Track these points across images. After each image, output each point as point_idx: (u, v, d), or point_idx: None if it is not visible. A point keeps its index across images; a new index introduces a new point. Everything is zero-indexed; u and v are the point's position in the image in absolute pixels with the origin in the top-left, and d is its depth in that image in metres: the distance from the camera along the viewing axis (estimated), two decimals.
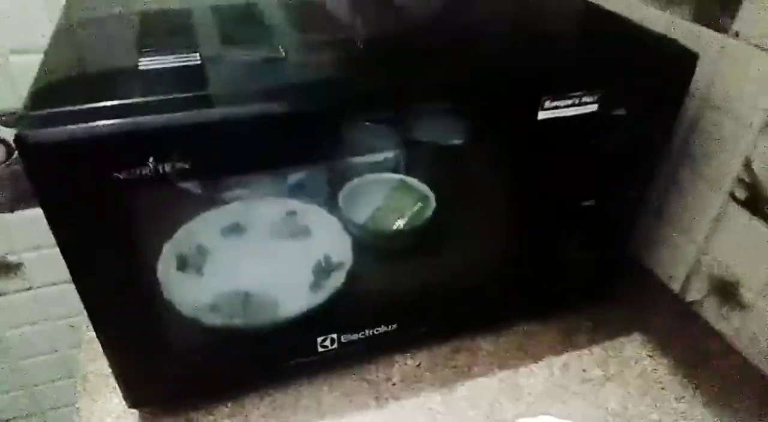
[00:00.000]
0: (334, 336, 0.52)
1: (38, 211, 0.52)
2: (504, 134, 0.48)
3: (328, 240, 0.51)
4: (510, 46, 0.51)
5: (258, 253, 0.50)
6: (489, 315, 0.59)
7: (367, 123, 0.42)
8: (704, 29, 0.55)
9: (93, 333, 0.43)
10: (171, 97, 0.37)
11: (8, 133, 0.69)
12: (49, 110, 0.34)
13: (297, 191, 0.46)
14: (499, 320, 0.60)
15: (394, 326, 0.54)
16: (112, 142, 0.35)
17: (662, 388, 0.55)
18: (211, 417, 0.51)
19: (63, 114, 0.34)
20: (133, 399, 0.49)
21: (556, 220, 0.55)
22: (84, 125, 0.34)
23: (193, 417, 0.51)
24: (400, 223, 0.54)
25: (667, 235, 0.65)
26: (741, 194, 0.56)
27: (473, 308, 0.58)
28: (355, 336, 0.53)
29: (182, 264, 0.45)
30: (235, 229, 0.47)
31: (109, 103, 0.35)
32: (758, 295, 0.55)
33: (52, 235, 0.36)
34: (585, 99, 0.46)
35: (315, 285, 0.52)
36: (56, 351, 0.90)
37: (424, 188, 0.51)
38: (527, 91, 0.45)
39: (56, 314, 0.86)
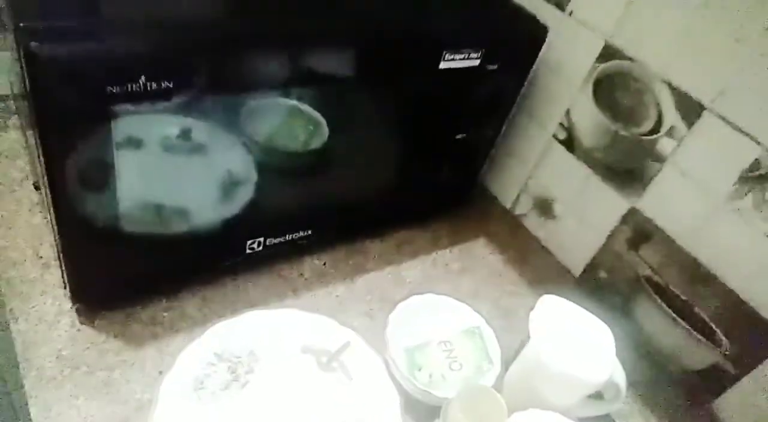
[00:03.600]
0: (261, 239, 0.61)
1: None
2: (407, 78, 0.59)
3: (228, 157, 0.58)
4: (413, 9, 0.61)
5: (160, 167, 0.55)
6: (378, 223, 0.73)
7: (270, 54, 0.48)
8: (551, 6, 0.72)
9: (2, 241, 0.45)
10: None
11: None
12: (49, 23, 0.37)
13: (192, 109, 0.50)
14: (386, 227, 0.74)
15: (309, 232, 0.65)
16: (115, 58, 0.39)
17: (500, 275, 0.74)
18: (148, 311, 0.57)
19: (65, 28, 0.37)
20: (77, 295, 0.53)
21: (433, 149, 0.69)
22: (87, 41, 0.37)
23: (131, 312, 0.57)
24: (294, 145, 0.62)
25: (505, 164, 0.84)
26: (561, 135, 0.76)
27: (365, 217, 0.71)
28: (277, 240, 0.63)
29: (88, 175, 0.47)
30: (135, 143, 0.51)
31: (102, 19, 0.39)
32: (565, 210, 0.77)
33: None
34: (472, 54, 0.60)
35: (224, 198, 0.59)
36: None
37: (316, 115, 0.59)
38: (435, 45, 0.57)
39: None
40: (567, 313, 0.58)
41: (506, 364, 0.59)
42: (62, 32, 0.37)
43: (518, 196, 0.84)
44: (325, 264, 0.68)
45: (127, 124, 0.44)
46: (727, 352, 0.64)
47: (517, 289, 0.73)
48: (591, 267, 0.76)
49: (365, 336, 0.59)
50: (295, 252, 0.66)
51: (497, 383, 0.58)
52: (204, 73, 0.45)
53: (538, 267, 0.77)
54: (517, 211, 0.84)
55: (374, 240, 0.73)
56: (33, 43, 0.36)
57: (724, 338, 0.64)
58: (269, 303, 0.62)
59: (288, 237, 0.64)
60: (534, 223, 0.82)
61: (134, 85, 0.41)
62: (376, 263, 0.70)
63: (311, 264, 0.67)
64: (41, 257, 0.59)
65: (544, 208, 0.80)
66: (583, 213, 0.75)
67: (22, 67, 0.37)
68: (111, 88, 0.40)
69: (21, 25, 0.36)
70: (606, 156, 0.71)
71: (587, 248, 0.76)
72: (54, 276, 0.57)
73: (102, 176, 0.46)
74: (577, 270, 0.78)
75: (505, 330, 0.62)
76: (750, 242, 0.59)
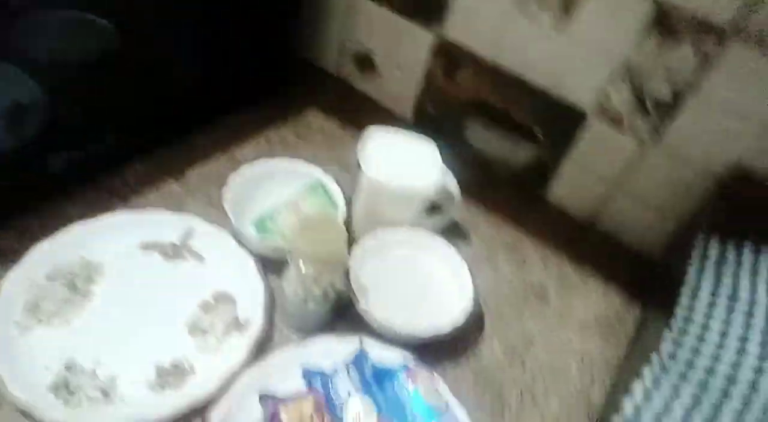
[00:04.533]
0: (68, 155, 0.57)
1: None
2: None
3: (11, 83, 0.52)
4: None
5: None
6: (200, 116, 0.70)
7: None
8: None
9: None
10: None
11: None
12: None
13: None
14: (211, 117, 0.71)
15: (119, 138, 0.61)
16: None
17: (336, 137, 0.75)
18: None
19: None
20: None
21: (231, 26, 0.66)
22: None
23: None
24: (85, 54, 0.57)
25: (318, 30, 0.83)
26: None
27: (183, 112, 0.67)
28: (83, 153, 0.58)
29: None
30: None
31: None
32: (383, 60, 0.78)
33: None
34: None
35: (13, 126, 0.53)
36: None
37: (101, 21, 0.55)
38: None
39: None
40: (392, 137, 0.61)
41: (350, 202, 0.61)
42: None
43: (339, 58, 0.83)
44: (149, 166, 0.65)
45: None
46: (544, 143, 0.70)
47: (354, 143, 0.74)
48: (419, 108, 0.79)
49: (209, 219, 0.58)
50: (109, 159, 0.62)
51: (347, 223, 0.60)
52: None
53: (371, 122, 0.78)
54: (343, 74, 0.84)
55: (200, 134, 0.70)
56: None
57: (539, 133, 0.70)
58: (95, 215, 0.58)
59: (94, 146, 0.59)
60: (360, 82, 0.83)
61: None
62: (207, 154, 0.68)
63: (135, 170, 0.64)
64: None
65: (365, 63, 0.81)
66: (399, 58, 0.77)
67: None
68: None
69: None
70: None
71: (411, 91, 0.78)
72: None
73: None
74: (408, 114, 0.80)
75: (347, 180, 0.64)
76: (541, 41, 0.63)
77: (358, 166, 0.57)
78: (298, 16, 0.77)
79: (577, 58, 0.63)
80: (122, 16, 0.55)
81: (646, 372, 0.39)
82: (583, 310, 0.61)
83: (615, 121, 0.64)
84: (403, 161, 0.58)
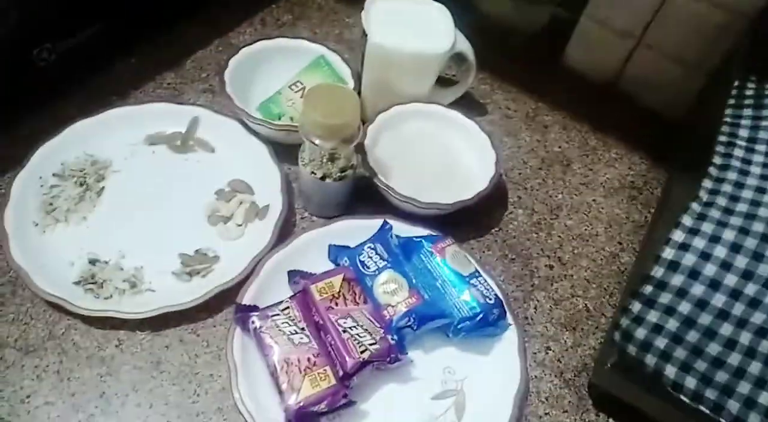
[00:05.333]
0: (48, 46, 0.53)
1: None
2: None
3: None
4: None
5: None
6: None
7: None
8: None
9: None
10: None
11: None
12: None
13: None
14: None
15: (106, 24, 0.56)
16: None
17: (336, 12, 0.70)
18: None
19: None
20: None
21: None
22: None
23: None
24: None
25: None
26: None
27: None
28: (71, 43, 0.54)
29: None
30: None
31: None
32: None
33: None
34: None
35: None
36: None
37: None
38: None
39: None
40: (398, 2, 0.56)
41: (358, 78, 0.57)
42: None
43: None
44: (144, 58, 0.61)
45: None
46: (557, 3, 0.64)
47: (356, 22, 0.69)
48: None
49: (214, 109, 0.55)
50: (100, 51, 0.58)
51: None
52: None
53: None
54: None
55: (189, 19, 0.65)
56: None
57: None
58: (93, 110, 0.55)
59: (84, 37, 0.55)
60: None
61: None
62: (200, 39, 0.64)
63: (124, 62, 0.60)
64: None
65: None
66: None
67: None
68: None
69: None
70: None
71: None
72: None
73: None
74: None
75: (352, 58, 0.60)
76: None
77: (364, 34, 0.53)
78: None
79: None
80: None
81: (685, 219, 0.38)
82: (607, 175, 0.59)
83: None
84: (413, 26, 0.54)
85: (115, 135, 0.53)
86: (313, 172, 0.47)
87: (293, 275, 0.44)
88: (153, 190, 0.51)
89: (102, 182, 0.51)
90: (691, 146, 0.54)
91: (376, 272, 0.43)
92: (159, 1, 0.61)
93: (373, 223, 0.47)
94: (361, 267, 0.43)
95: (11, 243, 0.44)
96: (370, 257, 0.44)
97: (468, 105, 0.61)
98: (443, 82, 0.59)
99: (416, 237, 0.46)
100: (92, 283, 0.44)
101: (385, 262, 0.43)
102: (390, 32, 0.52)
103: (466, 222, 0.51)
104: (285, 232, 0.49)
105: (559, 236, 0.54)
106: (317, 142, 0.45)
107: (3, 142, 0.52)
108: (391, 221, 0.47)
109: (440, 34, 0.53)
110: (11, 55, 0.51)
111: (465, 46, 0.55)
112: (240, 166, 0.53)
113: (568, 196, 0.57)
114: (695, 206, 0.38)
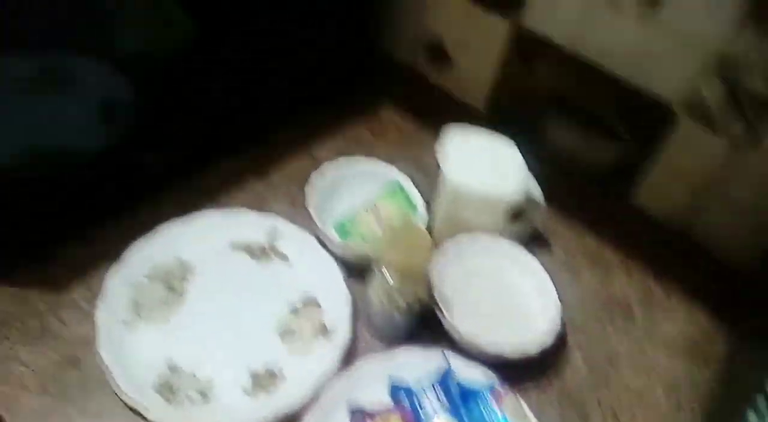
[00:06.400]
0: (158, 154, 0.59)
1: None
2: None
3: (101, 80, 0.54)
4: None
5: (25, 106, 0.50)
6: (281, 113, 0.71)
7: None
8: None
9: None
10: None
11: None
12: None
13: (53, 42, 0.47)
14: (289, 113, 0.72)
15: (208, 138, 0.62)
16: None
17: (411, 133, 0.75)
18: (67, 250, 0.55)
19: None
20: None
21: (311, 22, 0.66)
22: None
23: (51, 255, 0.54)
24: (165, 47, 0.58)
25: (392, 22, 0.81)
26: None
27: (264, 108, 0.68)
28: (175, 153, 0.60)
29: None
30: None
31: None
32: (457, 49, 0.76)
33: None
34: None
35: (108, 124, 0.55)
36: None
37: (179, 13, 0.55)
38: None
39: None
40: (472, 138, 0.60)
41: (430, 207, 0.60)
42: None
43: (413, 50, 0.82)
44: (235, 165, 0.66)
45: None
46: (628, 141, 0.67)
47: (429, 142, 0.73)
48: (493, 99, 0.77)
49: (293, 220, 0.59)
50: (199, 159, 0.64)
51: (427, 226, 0.60)
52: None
53: (446, 114, 0.77)
54: (416, 66, 0.83)
55: (281, 131, 0.71)
56: None
57: (623, 132, 0.67)
58: (186, 215, 0.60)
59: (187, 145, 0.61)
60: (433, 74, 0.81)
61: None
62: (287, 151, 0.69)
63: (219, 168, 0.66)
64: None
65: (438, 54, 0.79)
66: (473, 47, 0.75)
67: None
68: None
69: None
70: None
71: (485, 81, 0.76)
72: None
73: None
74: (483, 107, 0.78)
75: (425, 184, 0.63)
76: (627, 30, 0.60)
77: (438, 168, 0.56)
78: (374, 9, 0.76)
79: (665, 50, 0.59)
80: (205, 11, 0.56)
81: (760, 401, 0.37)
82: (669, 328, 0.59)
83: (706, 119, 0.60)
84: (485, 164, 0.57)
85: (201, 239, 0.57)
86: (381, 301, 0.50)
87: (353, 409, 0.45)
88: (230, 297, 0.54)
89: (186, 285, 0.54)
90: (761, 304, 0.54)
91: (434, 416, 0.44)
92: (253, 112, 0.68)
93: (435, 357, 0.49)
94: (419, 410, 0.45)
95: (100, 338, 0.48)
96: (430, 401, 0.45)
97: (533, 239, 0.63)
98: (513, 214, 0.61)
99: (477, 386, 0.47)
100: (168, 390, 0.47)
101: (444, 409, 0.44)
102: (463, 170, 0.56)
103: (524, 363, 0.52)
104: (350, 353, 0.51)
105: (617, 389, 0.53)
106: (389, 277, 0.48)
107: (102, 235, 0.57)
108: (451, 355, 0.49)
109: (512, 177, 0.56)
110: (120, 157, 0.57)
111: (536, 191, 0.58)
112: (312, 281, 0.56)
113: (628, 346, 0.57)
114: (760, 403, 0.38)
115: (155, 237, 0.56)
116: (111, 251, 0.55)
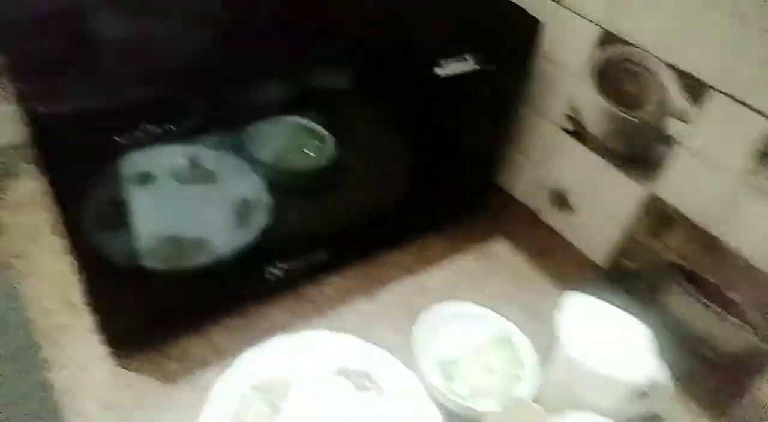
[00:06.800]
0: (280, 263, 0.62)
1: None
2: (405, 88, 0.60)
3: (240, 182, 0.59)
4: (403, 20, 0.61)
5: (173, 199, 0.56)
6: (395, 234, 0.73)
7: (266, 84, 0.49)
8: None
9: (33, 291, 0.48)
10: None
11: None
12: (50, 85, 0.38)
13: (199, 138, 0.51)
14: (403, 236, 0.74)
15: (327, 252, 0.65)
16: (115, 109, 0.40)
17: (524, 275, 0.74)
18: (179, 347, 0.58)
19: (66, 88, 0.38)
20: (108, 337, 0.54)
21: (441, 155, 0.69)
22: (89, 97, 0.38)
23: (162, 349, 0.58)
24: (302, 162, 0.63)
25: (517, 161, 0.83)
26: (569, 126, 0.75)
27: (381, 229, 0.71)
28: (296, 262, 0.63)
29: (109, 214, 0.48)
30: (149, 178, 0.52)
31: (99, 76, 0.40)
32: (582, 201, 0.76)
33: None
34: (466, 58, 0.60)
35: (240, 224, 0.60)
36: None
37: (321, 130, 0.60)
38: (427, 54, 0.57)
39: None
40: (593, 309, 0.58)
41: (540, 369, 0.58)
42: (62, 91, 0.38)
43: (534, 192, 0.83)
44: (345, 280, 0.68)
45: (136, 161, 0.45)
46: (762, 333, 0.62)
47: (542, 287, 0.73)
48: (615, 258, 0.75)
49: (395, 351, 0.59)
50: (315, 270, 0.67)
51: (533, 389, 0.57)
52: (204, 111, 0.46)
53: (561, 262, 0.77)
54: (535, 207, 0.84)
55: (392, 252, 0.73)
56: (36, 106, 0.37)
57: (758, 318, 0.62)
58: (295, 326, 0.62)
59: (306, 257, 0.64)
60: (553, 218, 0.82)
61: (137, 132, 0.42)
62: (396, 274, 0.70)
63: (332, 281, 0.68)
64: (72, 303, 0.60)
65: (561, 201, 0.80)
66: (601, 203, 0.74)
67: (28, 126, 0.38)
68: (114, 138, 0.41)
69: (23, 88, 0.37)
70: (615, 143, 0.71)
71: (609, 238, 0.75)
72: (85, 321, 0.58)
73: (116, 216, 0.47)
74: (602, 261, 0.77)
75: (535, 333, 0.62)
76: None
77: (556, 337, 0.55)
78: (499, 150, 0.79)
79: None
80: (337, 127, 0.60)
81: None
82: None
83: None
84: (608, 339, 0.54)
85: (306, 358, 0.58)
86: None
87: None
88: None
89: (284, 403, 0.55)
90: None
91: None
92: (371, 231, 0.70)
93: None
94: None
95: None
96: None
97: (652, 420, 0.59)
98: (634, 398, 0.57)
99: None
100: None
101: None
102: (583, 344, 0.53)
103: None
104: None
105: None
106: None
107: (215, 334, 0.60)
108: None
109: (638, 357, 0.53)
110: (247, 258, 0.60)
111: (664, 376, 0.54)
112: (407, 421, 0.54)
113: None
114: None
115: (265, 349, 0.57)
116: (221, 353, 0.57)
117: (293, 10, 0.56)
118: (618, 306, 0.57)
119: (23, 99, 0.37)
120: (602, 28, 0.67)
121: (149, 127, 0.42)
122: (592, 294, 0.58)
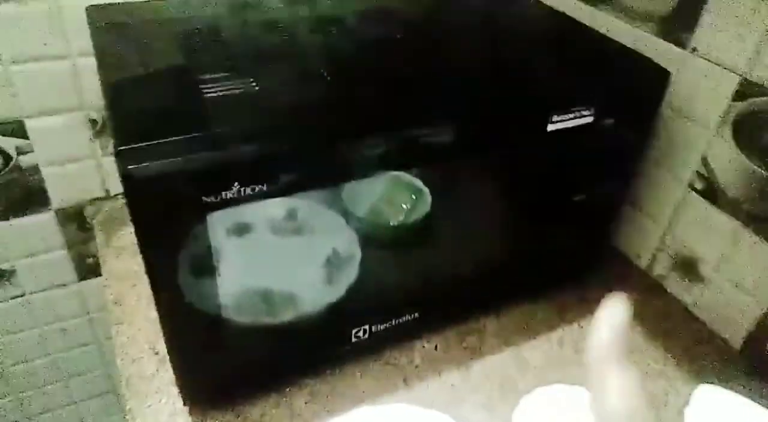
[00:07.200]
0: (366, 327, 0.58)
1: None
2: (514, 144, 0.54)
3: (333, 235, 0.56)
4: (516, 73, 0.56)
5: (267, 251, 0.54)
6: (492, 299, 0.67)
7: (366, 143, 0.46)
8: (667, 44, 0.64)
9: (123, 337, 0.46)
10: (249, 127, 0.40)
11: (5, 143, 0.69)
12: (145, 143, 0.37)
13: (297, 189, 0.48)
14: (503, 301, 0.67)
15: (417, 314, 0.60)
16: (205, 170, 0.38)
17: (641, 352, 0.64)
18: (257, 409, 0.55)
19: (160, 147, 0.37)
20: (187, 392, 0.53)
21: (549, 213, 0.62)
22: (180, 157, 0.37)
23: (240, 410, 0.55)
24: (397, 216, 0.59)
25: (637, 221, 0.74)
26: (699, 185, 0.65)
27: (478, 292, 0.65)
28: (383, 326, 0.59)
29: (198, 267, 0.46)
30: (241, 229, 0.51)
31: (196, 135, 0.39)
32: (714, 270, 0.66)
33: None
34: (584, 112, 0.54)
35: (330, 279, 0.56)
36: (48, 354, 0.89)
37: (418, 183, 0.56)
38: (540, 109, 0.52)
39: (46, 319, 0.86)
40: (732, 408, 0.48)
41: None
42: (156, 152, 0.37)
43: (655, 256, 0.73)
44: (436, 348, 0.63)
45: (230, 215, 0.43)
46: None
47: (664, 369, 0.63)
48: (753, 339, 0.64)
49: None
50: (403, 335, 0.62)
51: None
52: (304, 169, 0.43)
53: (686, 339, 0.66)
54: (656, 274, 0.74)
55: (490, 317, 0.66)
56: (130, 166, 0.36)
57: None
58: (379, 396, 0.57)
59: (395, 321, 0.59)
60: (677, 287, 0.71)
61: (228, 193, 0.40)
62: (493, 344, 0.64)
63: (421, 348, 0.63)
64: (157, 352, 0.60)
65: (688, 268, 0.69)
66: (737, 274, 0.64)
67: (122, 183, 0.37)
68: (205, 198, 0.39)
69: (120, 148, 0.37)
70: (756, 206, 0.60)
71: (747, 315, 0.64)
72: (169, 373, 0.57)
73: (206, 271, 0.46)
74: (736, 341, 0.65)
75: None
76: None
77: None
78: (620, 213, 0.71)
79: None
80: (436, 181, 0.55)
81: None
82: None
83: None
84: None
85: None
86: None
87: None
88: None
89: None
90: None
91: None
92: (466, 293, 0.64)
93: None
94: None
95: None
96: None
97: None
98: None
99: None
100: None
101: None
102: None
103: None
104: None
105: None
106: None
107: (292, 398, 0.56)
108: None
109: None
110: (331, 329, 0.57)
111: None
112: None
113: None
114: None
115: (353, 417, 0.53)
116: (301, 419, 0.53)
117: (400, 64, 0.54)
118: (761, 404, 0.48)
119: (117, 156, 0.36)
120: (743, 76, 0.58)
121: (241, 187, 0.40)
122: (727, 386, 0.49)
